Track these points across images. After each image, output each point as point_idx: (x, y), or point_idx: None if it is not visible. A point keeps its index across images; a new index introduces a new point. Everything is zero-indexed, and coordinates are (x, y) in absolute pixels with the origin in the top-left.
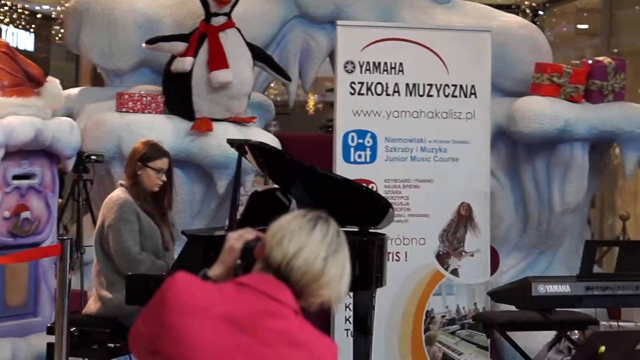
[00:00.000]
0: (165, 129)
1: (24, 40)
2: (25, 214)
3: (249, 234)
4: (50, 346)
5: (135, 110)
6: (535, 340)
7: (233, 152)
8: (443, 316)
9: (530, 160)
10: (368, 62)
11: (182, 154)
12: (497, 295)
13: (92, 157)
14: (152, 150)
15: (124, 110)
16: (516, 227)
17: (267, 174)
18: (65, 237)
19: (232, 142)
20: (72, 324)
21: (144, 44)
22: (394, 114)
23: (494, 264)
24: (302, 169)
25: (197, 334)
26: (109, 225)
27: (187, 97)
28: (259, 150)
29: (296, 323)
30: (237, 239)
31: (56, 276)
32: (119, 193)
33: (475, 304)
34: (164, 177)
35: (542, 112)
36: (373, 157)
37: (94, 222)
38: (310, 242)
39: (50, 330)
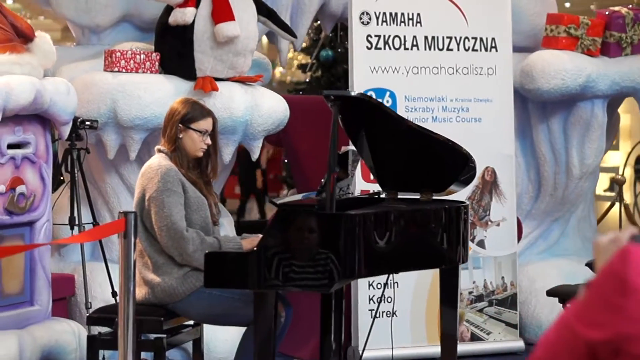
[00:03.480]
0: (164, 91)
1: None
2: (20, 188)
3: (622, 233)
4: (91, 340)
5: (128, 70)
6: None
7: (240, 115)
8: (470, 292)
9: (544, 121)
10: (384, 13)
11: None
12: None
13: (87, 122)
14: (194, 110)
15: (115, 70)
16: (529, 194)
17: (345, 131)
18: (129, 211)
19: (329, 95)
20: (107, 312)
21: None
22: (412, 70)
23: (518, 234)
24: (398, 124)
25: None
26: (150, 198)
27: (187, 53)
28: (350, 104)
29: None
30: (614, 241)
31: (118, 257)
32: (159, 160)
33: (502, 277)
34: (208, 140)
35: (564, 66)
36: None
37: (86, 196)
38: None
39: (90, 321)
